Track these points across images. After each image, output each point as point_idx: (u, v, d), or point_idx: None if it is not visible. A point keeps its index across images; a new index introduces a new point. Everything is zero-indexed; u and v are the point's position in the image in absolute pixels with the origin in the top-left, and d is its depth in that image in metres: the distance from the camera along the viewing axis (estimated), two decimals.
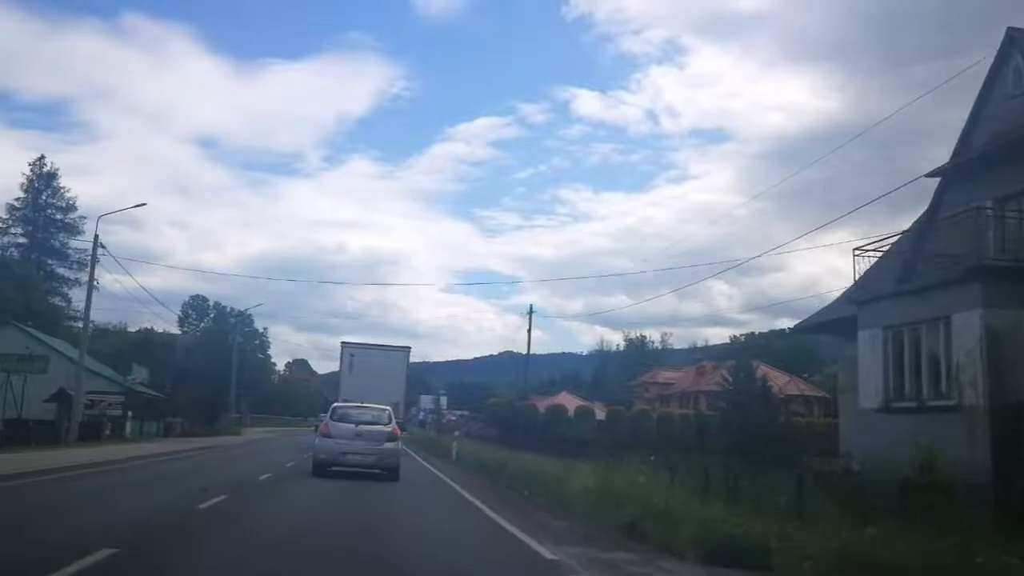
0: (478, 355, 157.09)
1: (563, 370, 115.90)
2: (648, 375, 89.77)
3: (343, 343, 42.08)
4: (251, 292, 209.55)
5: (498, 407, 61.00)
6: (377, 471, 21.30)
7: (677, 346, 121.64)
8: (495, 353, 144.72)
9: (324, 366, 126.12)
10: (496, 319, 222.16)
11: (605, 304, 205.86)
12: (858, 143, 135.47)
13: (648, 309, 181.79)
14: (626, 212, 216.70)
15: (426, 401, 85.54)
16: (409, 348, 45.09)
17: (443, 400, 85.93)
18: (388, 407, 24.05)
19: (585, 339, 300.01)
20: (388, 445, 21.65)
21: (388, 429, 22.01)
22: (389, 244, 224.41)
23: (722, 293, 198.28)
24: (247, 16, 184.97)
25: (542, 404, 63.18)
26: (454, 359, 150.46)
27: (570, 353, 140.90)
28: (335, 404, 25.07)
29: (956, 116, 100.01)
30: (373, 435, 21.63)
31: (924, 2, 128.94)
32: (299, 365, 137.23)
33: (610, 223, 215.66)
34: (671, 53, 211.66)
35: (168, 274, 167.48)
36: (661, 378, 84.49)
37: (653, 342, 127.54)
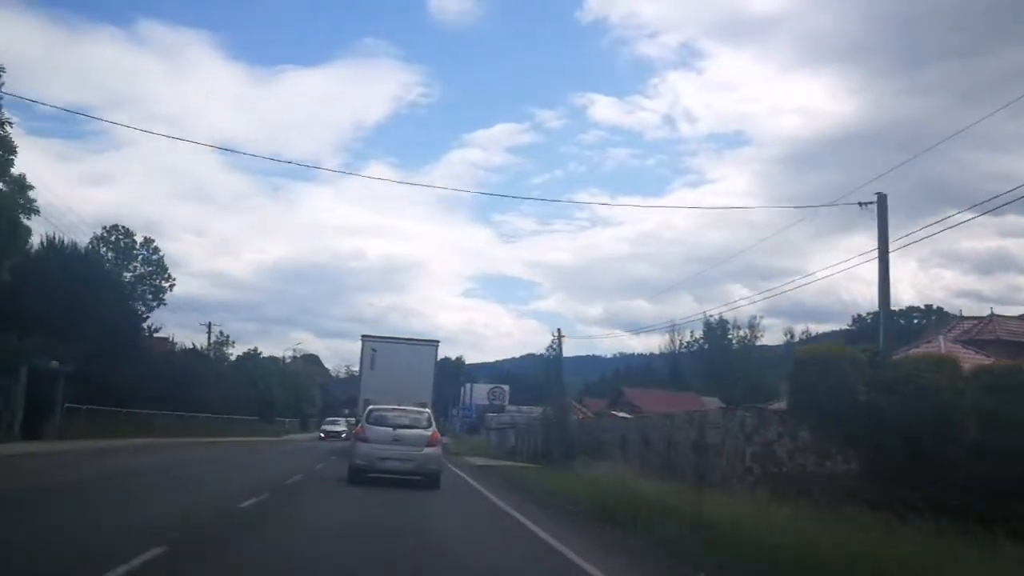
0: (500, 358, 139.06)
1: (587, 376, 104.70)
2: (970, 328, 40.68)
3: (364, 336, 34.97)
4: (269, 298, 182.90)
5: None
6: (417, 477, 18.34)
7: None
8: (517, 356, 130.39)
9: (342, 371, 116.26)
10: (515, 324, 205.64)
11: (625, 308, 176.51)
12: (878, 145, 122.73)
13: (666, 312, 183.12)
14: (644, 216, 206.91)
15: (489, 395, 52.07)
16: (438, 342, 35.83)
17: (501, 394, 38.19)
18: (428, 409, 21.47)
19: (605, 343, 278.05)
20: (428, 450, 18.62)
21: (428, 433, 18.91)
22: (407, 249, 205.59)
23: (743, 297, 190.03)
24: (264, 23, 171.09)
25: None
26: (477, 362, 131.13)
27: (595, 356, 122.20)
28: (371, 406, 20.90)
29: (975, 117, 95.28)
30: (412, 439, 18.60)
31: (940, 3, 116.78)
32: (309, 360, 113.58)
33: (628, 228, 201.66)
34: (687, 57, 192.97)
35: (187, 279, 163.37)
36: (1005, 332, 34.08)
37: (739, 328, 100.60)
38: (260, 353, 70.60)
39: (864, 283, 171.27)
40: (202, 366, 50.29)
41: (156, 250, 68.40)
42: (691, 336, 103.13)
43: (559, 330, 30.83)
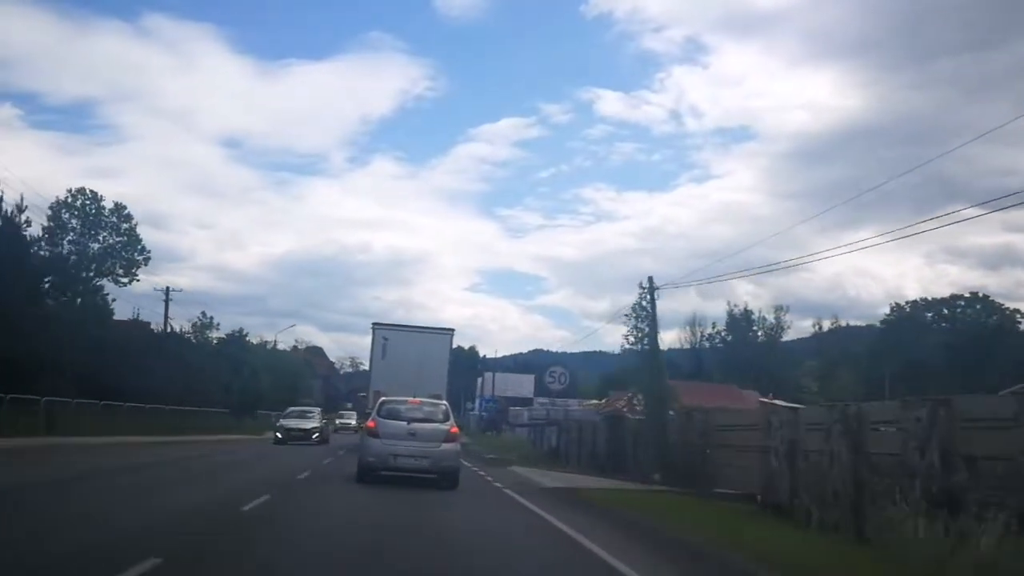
0: (506, 353, 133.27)
1: (594, 372, 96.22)
2: None
3: (374, 324, 32.11)
4: (275, 292, 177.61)
5: None
6: (432, 476, 16.41)
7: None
8: (524, 351, 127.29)
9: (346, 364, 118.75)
10: (522, 319, 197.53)
11: (630, 303, 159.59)
12: (885, 140, 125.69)
13: (672, 307, 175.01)
14: (649, 211, 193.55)
15: (547, 377, 35.74)
16: (452, 331, 33.11)
17: (562, 375, 25.90)
18: (445, 402, 19.65)
19: (610, 339, 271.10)
20: (446, 446, 16.62)
21: (445, 427, 16.85)
22: (413, 243, 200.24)
23: (748, 292, 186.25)
24: (269, 17, 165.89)
25: None
26: (483, 357, 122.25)
27: (602, 352, 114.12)
28: (383, 398, 18.78)
29: (984, 112, 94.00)
30: (428, 434, 16.58)
31: None
32: (313, 352, 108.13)
33: (633, 223, 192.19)
34: (692, 52, 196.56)
35: (193, 273, 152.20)
36: None
37: (765, 319, 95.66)
38: (246, 335, 59.36)
39: (869, 278, 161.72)
40: (156, 348, 39.19)
41: (128, 217, 58.17)
42: (712, 328, 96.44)
43: (651, 279, 19.59)
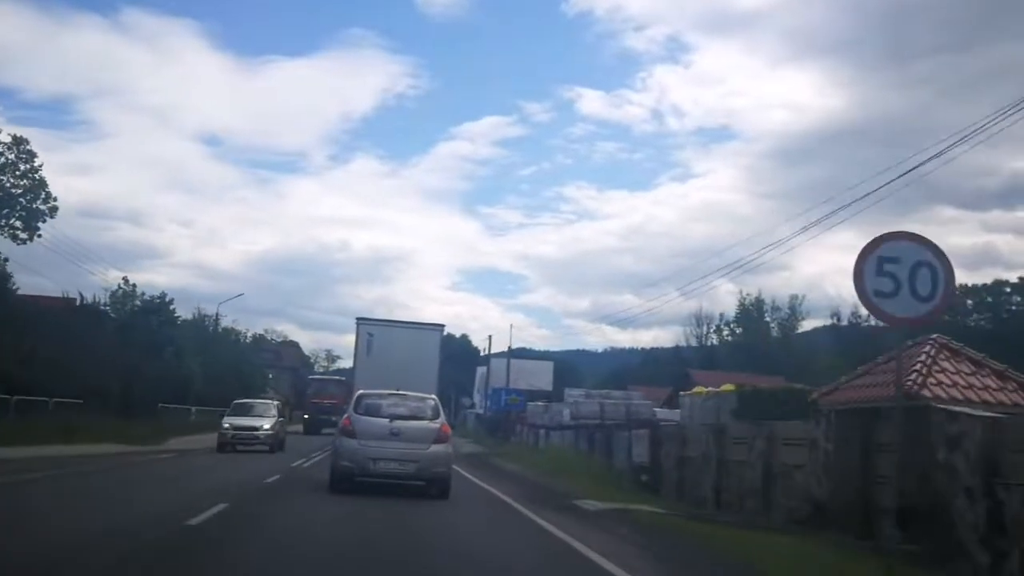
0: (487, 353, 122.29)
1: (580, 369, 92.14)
2: None
3: (359, 319, 30.54)
4: (255, 290, 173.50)
5: None
6: (419, 483, 13.92)
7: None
8: (506, 349, 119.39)
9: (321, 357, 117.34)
10: (503, 317, 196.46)
11: (612, 302, 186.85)
12: (863, 140, 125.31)
13: (654, 306, 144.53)
14: (631, 209, 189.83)
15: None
16: (443, 326, 32.10)
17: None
18: (434, 396, 16.38)
19: (591, 338, 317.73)
20: (436, 448, 14.05)
21: (435, 426, 14.32)
22: (394, 242, 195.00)
23: (730, 292, 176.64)
24: (249, 12, 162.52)
25: None
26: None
27: (583, 351, 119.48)
28: (360, 391, 16.07)
29: (965, 114, 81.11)
30: (414, 434, 14.03)
31: None
32: (288, 346, 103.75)
33: (615, 221, 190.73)
34: (674, 51, 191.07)
35: (171, 271, 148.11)
36: None
37: (779, 308, 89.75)
38: (171, 303, 44.02)
39: (848, 275, 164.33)
40: None
41: (31, 155, 44.36)
42: (721, 320, 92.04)
43: None
